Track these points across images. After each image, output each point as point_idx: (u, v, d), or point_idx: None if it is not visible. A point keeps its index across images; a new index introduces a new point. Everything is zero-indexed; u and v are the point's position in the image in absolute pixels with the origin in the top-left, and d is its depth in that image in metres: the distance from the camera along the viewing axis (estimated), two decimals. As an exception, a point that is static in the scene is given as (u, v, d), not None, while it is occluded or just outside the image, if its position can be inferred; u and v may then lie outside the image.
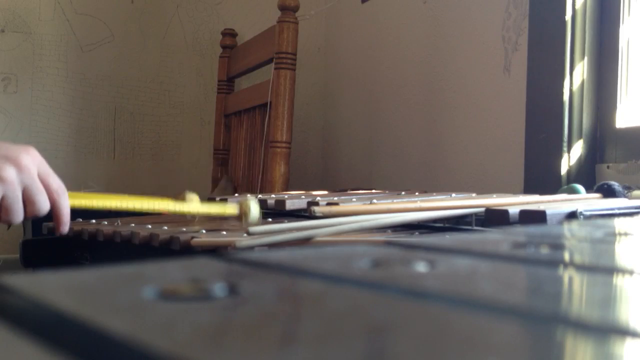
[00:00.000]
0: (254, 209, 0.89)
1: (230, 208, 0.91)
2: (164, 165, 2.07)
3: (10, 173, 0.71)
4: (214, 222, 1.01)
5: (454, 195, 1.07)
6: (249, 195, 0.95)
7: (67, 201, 0.77)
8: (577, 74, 1.32)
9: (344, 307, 0.21)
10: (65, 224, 0.77)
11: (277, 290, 0.24)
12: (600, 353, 0.16)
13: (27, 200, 0.73)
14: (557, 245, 0.34)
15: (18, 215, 0.73)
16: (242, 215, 0.89)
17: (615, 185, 1.03)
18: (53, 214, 0.76)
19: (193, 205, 0.90)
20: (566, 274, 0.28)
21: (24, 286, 0.22)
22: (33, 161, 0.73)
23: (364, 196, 1.11)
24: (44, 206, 0.74)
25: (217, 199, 1.19)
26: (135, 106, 2.07)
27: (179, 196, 0.90)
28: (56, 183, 0.75)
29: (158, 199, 0.87)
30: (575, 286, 0.26)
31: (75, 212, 1.05)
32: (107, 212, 1.01)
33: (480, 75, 1.56)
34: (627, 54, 1.30)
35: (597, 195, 1.01)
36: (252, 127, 1.83)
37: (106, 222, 0.98)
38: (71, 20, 1.99)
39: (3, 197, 0.71)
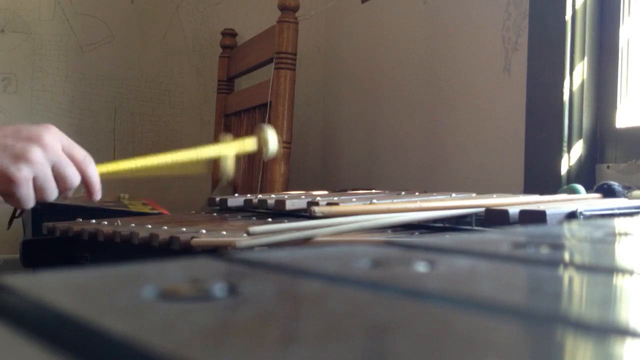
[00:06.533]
0: (272, 139, 0.90)
1: (248, 144, 0.91)
2: (164, 165, 2.07)
3: (37, 153, 0.72)
4: (214, 222, 1.01)
5: (454, 195, 1.07)
6: (263, 125, 0.95)
7: (95, 169, 0.79)
8: (577, 74, 1.32)
9: (344, 307, 0.21)
10: (98, 192, 0.79)
11: (277, 290, 0.24)
12: (600, 353, 0.16)
13: (58, 176, 0.75)
14: (557, 245, 0.34)
15: (52, 192, 0.75)
16: (262, 148, 0.90)
17: (615, 185, 1.03)
18: (84, 184, 0.78)
19: (211, 150, 0.91)
20: (566, 274, 0.28)
21: (24, 286, 0.22)
22: (56, 138, 0.75)
23: (364, 196, 1.11)
24: (74, 179, 0.76)
25: (217, 199, 1.19)
26: (135, 106, 2.07)
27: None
28: (82, 154, 0.77)
29: (177, 152, 0.89)
30: (575, 286, 0.26)
31: (76, 211, 1.05)
32: (106, 213, 1.01)
33: (480, 75, 1.56)
34: (627, 54, 1.30)
35: (597, 195, 1.01)
36: (252, 127, 1.83)
37: (106, 222, 0.98)
38: (71, 20, 1.99)
39: (35, 178, 0.73)
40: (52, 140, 0.74)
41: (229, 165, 0.90)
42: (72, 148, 0.76)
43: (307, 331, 0.18)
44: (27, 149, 0.72)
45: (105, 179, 0.82)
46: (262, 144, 0.91)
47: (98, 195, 0.79)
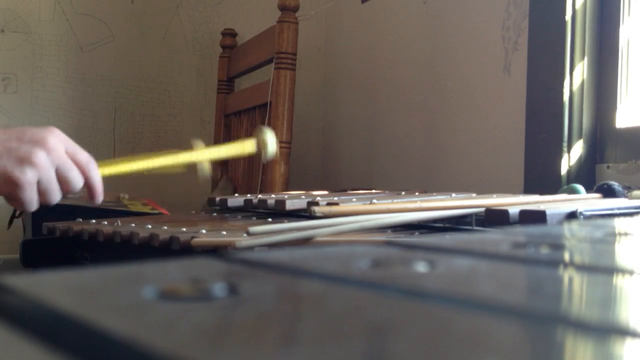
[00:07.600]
0: (271, 141, 0.92)
1: (247, 146, 0.93)
2: (164, 165, 2.07)
3: (41, 157, 0.73)
4: (214, 222, 1.01)
5: (454, 195, 1.07)
6: (262, 127, 0.97)
7: (98, 173, 0.79)
8: (577, 74, 1.32)
9: (344, 307, 0.21)
10: (100, 195, 0.80)
11: (277, 290, 0.24)
12: (600, 353, 0.16)
13: (61, 179, 0.75)
14: (557, 245, 0.34)
15: (55, 195, 0.76)
16: (261, 150, 0.92)
17: (615, 185, 1.03)
18: (87, 187, 0.79)
19: (213, 151, 0.93)
20: (566, 274, 0.28)
21: (24, 286, 0.22)
22: (59, 141, 0.75)
23: (364, 196, 1.11)
24: (77, 182, 0.77)
25: (217, 199, 1.19)
26: (135, 106, 2.07)
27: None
28: (85, 157, 0.78)
29: (178, 152, 0.91)
30: (575, 286, 0.26)
31: (77, 212, 1.05)
32: (106, 213, 1.00)
33: (480, 75, 1.56)
34: (627, 54, 1.30)
35: (597, 195, 1.01)
36: (252, 127, 1.83)
37: (106, 222, 0.98)
38: (71, 20, 1.99)
39: (39, 182, 0.74)
40: (56, 143, 0.74)
41: (205, 166, 0.93)
42: (75, 151, 0.77)
43: (307, 331, 0.18)
44: (31, 152, 0.73)
45: (106, 179, 0.83)
46: (261, 146, 0.93)
47: (100, 197, 0.80)
